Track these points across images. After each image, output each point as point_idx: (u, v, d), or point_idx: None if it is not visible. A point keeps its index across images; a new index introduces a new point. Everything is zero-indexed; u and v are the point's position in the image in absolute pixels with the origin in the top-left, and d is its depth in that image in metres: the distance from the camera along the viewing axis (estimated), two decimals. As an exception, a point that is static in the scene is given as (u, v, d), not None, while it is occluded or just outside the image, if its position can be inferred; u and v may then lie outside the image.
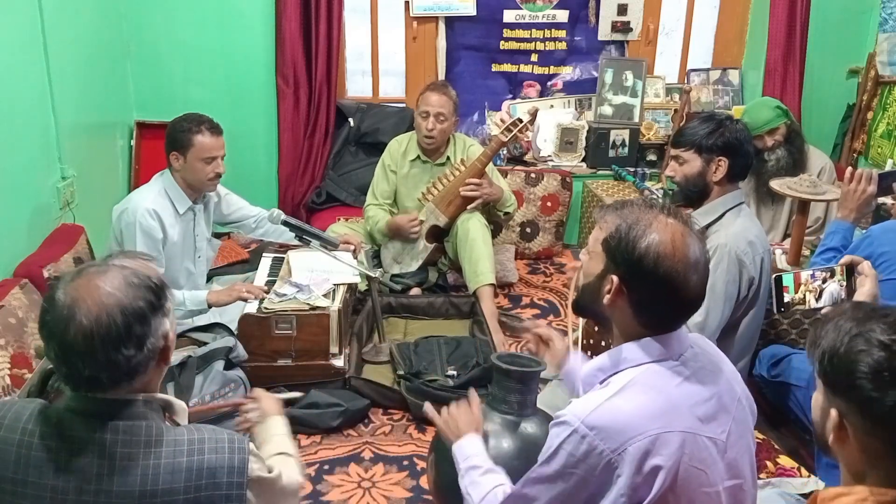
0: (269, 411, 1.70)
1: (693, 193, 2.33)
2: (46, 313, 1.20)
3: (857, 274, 1.78)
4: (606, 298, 1.40)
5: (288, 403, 2.03)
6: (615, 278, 1.39)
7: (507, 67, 4.36)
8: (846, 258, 1.81)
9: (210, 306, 2.81)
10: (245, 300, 2.76)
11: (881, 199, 2.64)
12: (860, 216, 2.40)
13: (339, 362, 2.74)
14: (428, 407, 1.90)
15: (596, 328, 2.26)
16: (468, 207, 3.34)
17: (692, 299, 1.39)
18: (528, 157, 4.22)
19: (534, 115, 3.50)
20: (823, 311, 1.71)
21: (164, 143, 2.84)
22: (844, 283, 1.79)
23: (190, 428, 1.27)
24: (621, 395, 1.35)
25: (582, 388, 1.48)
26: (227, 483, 1.23)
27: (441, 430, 1.80)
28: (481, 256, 3.28)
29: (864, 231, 2.51)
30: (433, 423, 1.84)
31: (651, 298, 1.38)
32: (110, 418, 1.21)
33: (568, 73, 4.38)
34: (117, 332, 1.17)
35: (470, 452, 1.68)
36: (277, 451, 1.56)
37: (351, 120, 4.16)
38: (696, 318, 2.07)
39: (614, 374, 1.40)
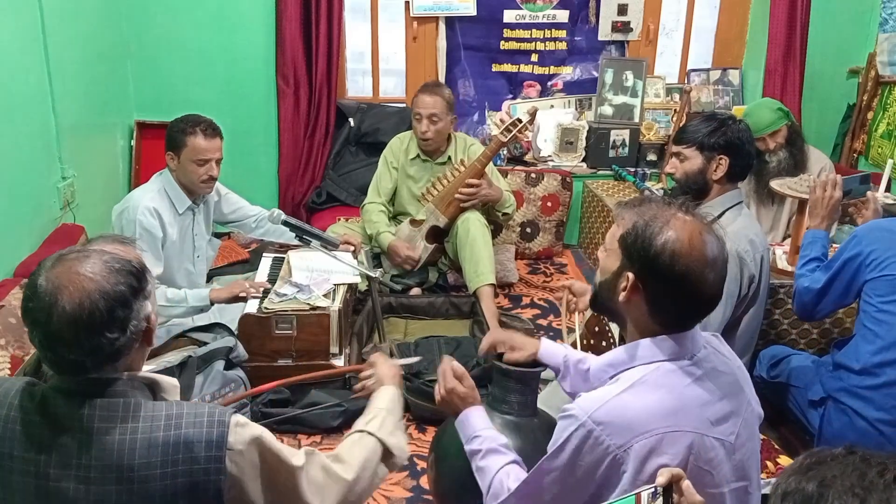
0: (383, 379, 1.67)
1: (692, 191, 2.33)
2: (29, 300, 1.21)
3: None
4: (622, 296, 1.40)
5: (409, 371, 1.93)
6: (631, 275, 1.38)
7: (507, 67, 4.36)
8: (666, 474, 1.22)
9: (212, 303, 2.81)
10: (245, 300, 2.76)
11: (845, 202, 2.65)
12: (832, 222, 2.45)
13: (339, 362, 2.73)
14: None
15: (596, 329, 2.26)
16: (466, 205, 3.34)
17: (709, 298, 1.37)
18: (528, 157, 4.23)
19: (533, 114, 3.50)
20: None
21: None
22: None
23: (170, 403, 1.27)
24: (630, 391, 1.34)
25: (593, 382, 1.47)
26: (206, 457, 1.22)
27: (442, 409, 1.77)
28: (481, 256, 3.28)
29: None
30: (436, 418, 1.81)
31: (667, 296, 1.37)
32: (91, 396, 1.22)
33: (568, 73, 4.38)
34: (100, 317, 1.18)
35: (469, 432, 1.65)
36: (359, 429, 1.52)
37: (351, 120, 4.16)
38: None
39: (625, 370, 1.40)
